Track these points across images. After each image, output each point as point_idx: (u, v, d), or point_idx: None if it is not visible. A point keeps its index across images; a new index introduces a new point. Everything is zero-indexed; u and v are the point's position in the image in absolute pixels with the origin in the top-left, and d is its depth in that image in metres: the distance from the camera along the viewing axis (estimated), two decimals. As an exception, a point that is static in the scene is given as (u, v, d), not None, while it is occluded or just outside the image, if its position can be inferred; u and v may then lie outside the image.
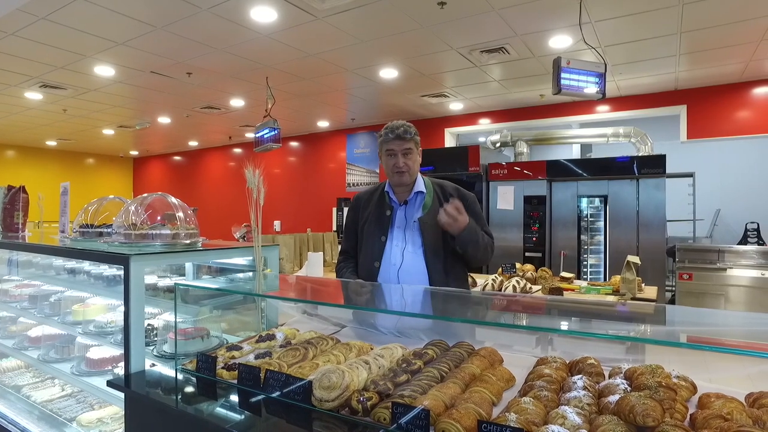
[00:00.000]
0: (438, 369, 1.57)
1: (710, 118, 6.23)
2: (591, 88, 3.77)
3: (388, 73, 5.72)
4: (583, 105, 7.06)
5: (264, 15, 4.05)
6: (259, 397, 1.48)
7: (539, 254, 6.16)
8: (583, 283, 3.69)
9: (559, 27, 4.38)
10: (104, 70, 5.56)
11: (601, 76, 3.77)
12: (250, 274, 2.28)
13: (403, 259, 2.19)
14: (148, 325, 2.12)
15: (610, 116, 7.01)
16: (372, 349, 1.84)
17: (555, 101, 7.10)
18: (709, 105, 6.23)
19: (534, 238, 6.21)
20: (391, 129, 2.21)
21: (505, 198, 6.40)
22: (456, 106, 7.47)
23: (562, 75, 3.66)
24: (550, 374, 1.39)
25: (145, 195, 2.19)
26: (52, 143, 11.05)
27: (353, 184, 9.07)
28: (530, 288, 3.52)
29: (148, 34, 4.49)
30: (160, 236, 2.05)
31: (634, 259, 3.36)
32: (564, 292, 3.30)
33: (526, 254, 6.22)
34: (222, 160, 11.46)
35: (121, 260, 1.70)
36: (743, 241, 5.78)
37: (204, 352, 1.74)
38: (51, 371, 2.56)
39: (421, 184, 2.28)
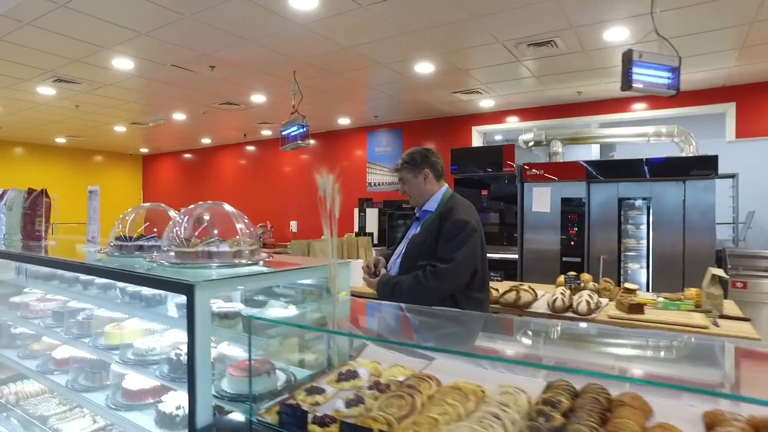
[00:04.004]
0: (588, 425, 1.25)
1: (760, 116, 5.88)
2: (663, 83, 3.44)
3: (424, 68, 5.38)
4: (619, 103, 6.70)
5: (304, 2, 3.72)
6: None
7: (578, 259, 5.84)
8: (655, 297, 3.35)
9: (619, 18, 4.04)
10: (122, 63, 5.24)
11: (675, 71, 3.43)
12: (317, 292, 1.97)
13: (392, 266, 2.52)
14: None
15: (646, 114, 6.66)
16: (483, 392, 1.53)
17: (590, 99, 6.75)
18: (760, 102, 5.88)
19: (572, 243, 5.89)
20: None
21: (541, 200, 6.08)
22: (486, 103, 7.12)
23: (634, 69, 3.32)
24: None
25: (200, 203, 1.88)
26: (61, 140, 10.73)
27: (375, 184, 8.73)
28: (600, 302, 3.20)
29: (174, 23, 4.16)
30: (219, 254, 1.73)
31: (718, 272, 3.02)
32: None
33: (563, 259, 5.90)
34: (235, 158, 11.13)
35: (185, 288, 1.38)
36: (776, 245, 5.45)
37: (284, 401, 1.42)
38: (79, 400, 2.25)
39: (432, 204, 2.45)
